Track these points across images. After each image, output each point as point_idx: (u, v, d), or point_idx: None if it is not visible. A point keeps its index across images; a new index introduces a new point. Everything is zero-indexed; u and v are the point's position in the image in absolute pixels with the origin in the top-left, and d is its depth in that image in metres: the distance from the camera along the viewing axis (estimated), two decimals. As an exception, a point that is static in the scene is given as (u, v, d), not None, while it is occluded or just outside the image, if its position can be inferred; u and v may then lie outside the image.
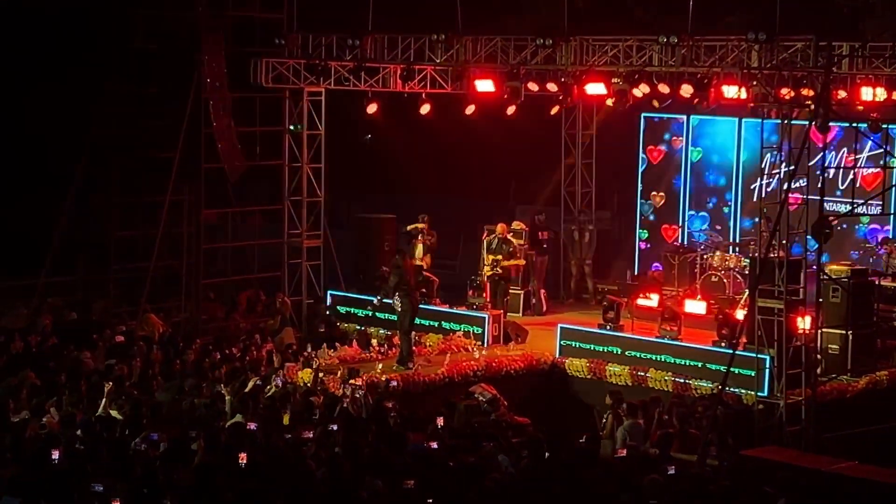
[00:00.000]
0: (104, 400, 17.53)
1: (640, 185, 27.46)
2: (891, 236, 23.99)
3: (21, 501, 12.53)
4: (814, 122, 19.31)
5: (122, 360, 20.85)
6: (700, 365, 20.77)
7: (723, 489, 14.52)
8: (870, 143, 22.34)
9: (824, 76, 19.16)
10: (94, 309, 25.54)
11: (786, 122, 19.75)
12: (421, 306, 22.48)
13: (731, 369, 18.76)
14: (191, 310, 25.73)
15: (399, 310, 21.23)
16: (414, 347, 21.73)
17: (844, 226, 24.06)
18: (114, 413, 17.09)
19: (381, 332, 23.70)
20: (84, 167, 26.20)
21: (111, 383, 18.33)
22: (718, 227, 26.37)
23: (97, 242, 27.85)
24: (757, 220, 23.34)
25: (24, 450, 14.92)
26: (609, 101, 22.79)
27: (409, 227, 25.43)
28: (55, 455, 14.31)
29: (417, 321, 22.12)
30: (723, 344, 20.75)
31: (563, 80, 23.06)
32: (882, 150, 21.21)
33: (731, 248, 25.26)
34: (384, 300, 22.02)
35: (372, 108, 25.12)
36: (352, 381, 19.55)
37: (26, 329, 23.05)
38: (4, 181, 37.22)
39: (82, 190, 26.52)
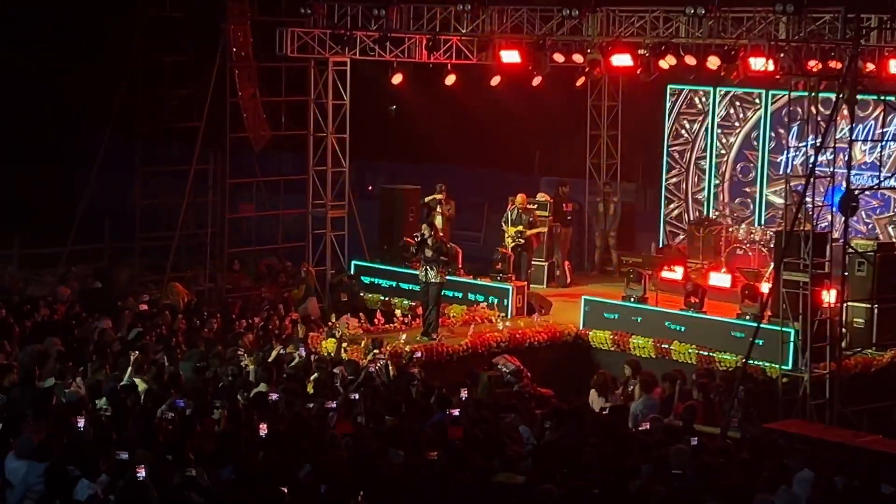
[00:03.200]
0: (130, 369, 17.59)
1: (665, 157, 27.31)
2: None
3: (48, 466, 12.59)
4: (842, 95, 19.18)
5: (147, 328, 20.92)
6: (724, 337, 20.71)
7: (745, 462, 14.52)
8: (898, 116, 22.24)
9: (852, 48, 19.02)
10: (119, 278, 25.62)
11: (813, 94, 19.61)
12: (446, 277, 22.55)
13: (756, 342, 18.71)
14: (215, 279, 25.79)
15: (434, 282, 21.16)
16: (438, 319, 21.72)
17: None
18: (139, 382, 17.15)
19: (405, 302, 23.72)
20: (110, 136, 26.26)
21: (137, 352, 18.41)
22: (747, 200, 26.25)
23: (122, 211, 27.95)
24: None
25: (50, 416, 14.99)
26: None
27: (426, 199, 25.37)
28: (80, 422, 14.38)
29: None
30: (747, 317, 20.68)
31: (588, 51, 22.96)
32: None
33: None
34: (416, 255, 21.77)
35: (397, 79, 25.07)
36: (375, 351, 19.57)
37: (52, 297, 23.15)
38: (31, 151, 37.43)
39: (108, 159, 26.58)
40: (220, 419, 15.44)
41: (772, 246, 23.22)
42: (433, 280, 21.17)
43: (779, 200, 24.97)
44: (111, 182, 29.23)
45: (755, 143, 25.91)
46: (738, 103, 26.17)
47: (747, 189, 26.13)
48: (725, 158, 26.40)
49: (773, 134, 25.61)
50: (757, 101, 25.84)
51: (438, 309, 21.45)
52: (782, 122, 24.66)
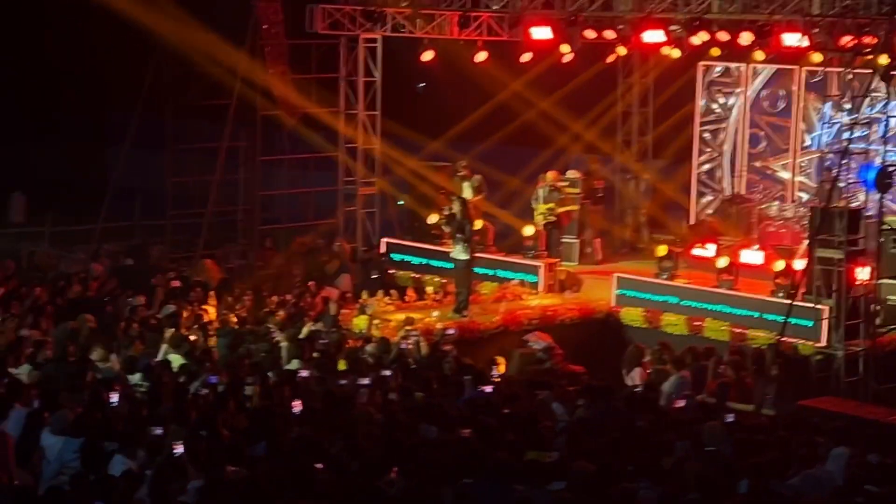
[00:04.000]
0: (164, 345, 17.63)
1: (696, 133, 27.13)
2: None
3: (83, 442, 12.64)
4: (876, 71, 19.03)
5: (179, 305, 20.97)
6: (757, 315, 20.63)
7: (780, 439, 14.45)
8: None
9: (888, 23, 18.85)
10: (151, 255, 25.70)
11: (849, 70, 19.45)
12: (477, 254, 22.51)
13: (789, 320, 18.62)
14: (247, 256, 25.83)
15: (459, 258, 21.10)
16: (469, 296, 21.68)
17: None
18: (173, 358, 17.19)
19: (436, 279, 23.69)
20: (140, 114, 26.29)
21: (171, 328, 18.46)
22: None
23: (153, 189, 28.03)
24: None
25: (83, 392, 15.04)
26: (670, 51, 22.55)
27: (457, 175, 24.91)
28: (114, 398, 14.42)
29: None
30: (780, 294, 20.58)
31: (620, 27, 22.83)
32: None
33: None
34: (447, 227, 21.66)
35: (428, 56, 25.00)
36: (407, 328, 19.56)
37: (84, 274, 23.23)
38: (64, 129, 37.54)
39: (139, 136, 26.63)
40: (252, 396, 15.47)
41: (804, 223, 23.09)
42: (459, 256, 21.12)
43: (786, 175, 24.83)
44: (142, 159, 29.29)
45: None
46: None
47: (757, 164, 25.92)
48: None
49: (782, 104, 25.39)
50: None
51: (467, 287, 21.39)
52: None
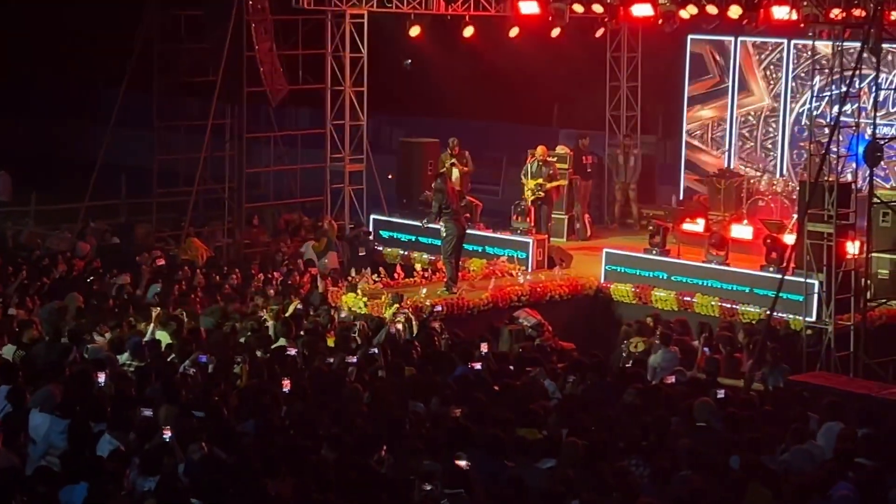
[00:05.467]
0: (152, 324, 17.57)
1: (685, 108, 27.09)
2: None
3: (70, 422, 12.59)
4: (866, 44, 18.97)
5: (166, 284, 20.90)
6: (748, 290, 20.63)
7: (770, 414, 14.47)
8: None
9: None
10: (137, 233, 25.59)
11: (837, 43, 19.39)
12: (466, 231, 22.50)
13: (780, 294, 18.61)
14: (234, 234, 25.76)
15: (444, 235, 21.09)
16: (458, 272, 21.63)
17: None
18: (161, 337, 17.13)
19: (425, 256, 23.65)
20: (126, 91, 26.16)
21: (159, 307, 18.39)
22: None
23: (139, 167, 27.91)
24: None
25: (69, 372, 14.98)
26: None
27: (444, 165, 24.84)
28: (101, 378, 14.37)
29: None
30: (771, 269, 20.58)
31: (608, 1, 22.75)
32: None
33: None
34: (429, 224, 21.89)
35: (415, 31, 24.91)
36: (397, 306, 19.52)
37: (70, 253, 23.14)
38: (50, 106, 37.40)
39: (124, 114, 26.49)
40: (241, 374, 15.43)
41: (794, 197, 23.07)
42: (442, 233, 21.11)
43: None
44: (128, 137, 29.17)
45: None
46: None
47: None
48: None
49: (793, 85, 25.38)
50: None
51: (453, 262, 21.31)
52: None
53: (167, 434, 12.12)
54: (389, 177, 26.62)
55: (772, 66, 25.79)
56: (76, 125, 36.94)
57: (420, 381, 15.06)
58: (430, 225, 21.74)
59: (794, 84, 25.43)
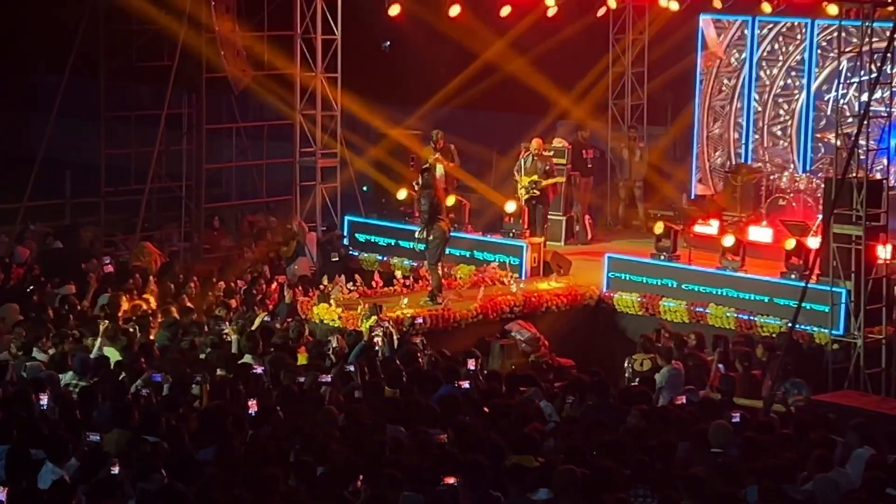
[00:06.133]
0: (99, 339, 17.59)
1: (697, 96, 27.20)
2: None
3: (7, 450, 12.59)
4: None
5: (115, 294, 20.92)
6: (767, 300, 20.72)
7: (792, 438, 14.54)
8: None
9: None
10: (83, 237, 25.62)
11: (867, 23, 19.50)
12: (451, 234, 22.53)
13: (803, 304, 18.70)
14: (192, 237, 25.79)
15: (429, 238, 21.08)
16: (443, 280, 21.70)
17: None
18: (109, 353, 17.15)
19: (406, 263, 23.70)
20: (70, 78, 26.16)
21: (107, 320, 18.41)
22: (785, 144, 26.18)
23: (85, 163, 27.92)
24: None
25: (5, 393, 14.99)
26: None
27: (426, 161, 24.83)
28: (44, 400, 14.38)
29: (446, 251, 22.09)
30: (793, 276, 20.67)
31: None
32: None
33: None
34: (422, 237, 21.56)
35: (394, 10, 24.97)
36: (375, 318, 19.56)
37: (8, 259, 23.14)
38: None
39: (68, 103, 26.50)
40: (201, 395, 15.46)
41: (819, 196, 23.17)
42: (430, 237, 21.10)
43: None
44: (72, 129, 29.19)
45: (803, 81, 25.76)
46: (781, 38, 25.95)
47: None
48: (767, 97, 26.25)
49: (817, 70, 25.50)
50: (798, 36, 25.64)
51: (436, 270, 21.36)
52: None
53: (115, 469, 12.10)
54: (364, 189, 26.64)
55: (780, 37, 25.87)
56: (12, 116, 36.89)
57: (401, 403, 15.10)
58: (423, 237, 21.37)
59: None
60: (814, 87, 25.36)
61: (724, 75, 26.51)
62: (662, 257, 22.39)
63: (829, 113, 24.88)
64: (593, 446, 13.52)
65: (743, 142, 26.55)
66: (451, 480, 11.98)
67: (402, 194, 24.08)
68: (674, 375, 17.84)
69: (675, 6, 23.47)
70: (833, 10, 21.59)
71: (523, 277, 22.78)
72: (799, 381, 17.67)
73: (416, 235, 21.71)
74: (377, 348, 18.32)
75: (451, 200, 22.84)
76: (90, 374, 16.05)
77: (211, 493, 11.83)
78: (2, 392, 15.01)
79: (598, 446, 13.52)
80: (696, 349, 19.31)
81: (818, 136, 25.28)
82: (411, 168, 25.30)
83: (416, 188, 21.59)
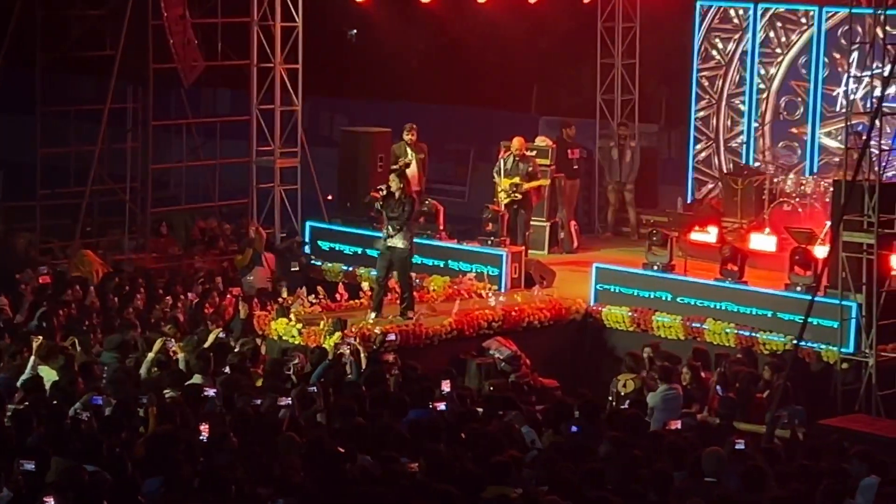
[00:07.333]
0: (32, 357, 17.54)
1: (693, 89, 27.29)
2: None
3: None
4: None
5: (52, 307, 20.87)
6: (770, 314, 20.80)
7: (796, 467, 14.59)
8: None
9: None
10: (16, 244, 25.53)
11: (880, 11, 19.60)
12: (423, 241, 22.55)
13: (809, 320, 18.77)
14: (137, 245, 25.75)
15: (401, 247, 21.00)
16: (415, 293, 21.70)
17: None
18: (44, 374, 17.11)
19: (373, 273, 23.67)
20: (3, 67, 26.11)
21: (41, 336, 18.35)
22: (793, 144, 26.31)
23: (18, 162, 27.84)
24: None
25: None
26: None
27: (398, 161, 24.76)
28: (-29, 425, 14.36)
29: (418, 260, 22.13)
30: (798, 288, 20.75)
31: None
32: None
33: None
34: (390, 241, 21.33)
35: (361, -5, 25.03)
36: (339, 334, 19.56)
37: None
38: None
39: (1, 97, 26.45)
40: (147, 419, 15.44)
41: (827, 200, 23.27)
42: (399, 245, 20.96)
43: (834, 144, 25.03)
44: (4, 125, 29.11)
45: (803, 73, 25.91)
46: (779, 24, 26.10)
47: (794, 130, 26.14)
48: (766, 93, 26.37)
49: (826, 60, 25.61)
50: (804, 20, 25.78)
51: (410, 282, 21.36)
52: (839, 46, 24.73)
53: (50, 501, 12.07)
54: (329, 198, 26.62)
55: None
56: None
57: (369, 428, 15.10)
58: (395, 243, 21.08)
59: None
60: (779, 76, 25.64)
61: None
62: (656, 267, 22.44)
63: (836, 109, 25.02)
64: (578, 476, 13.54)
65: (744, 141, 26.69)
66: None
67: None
68: (670, 398, 17.87)
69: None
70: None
71: (503, 290, 22.80)
72: (797, 409, 17.70)
73: (384, 243, 21.40)
74: (346, 367, 18.32)
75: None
76: (22, 398, 15.99)
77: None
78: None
79: (583, 476, 13.54)
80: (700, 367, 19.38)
81: (794, 131, 25.51)
82: (379, 169, 25.29)
83: (383, 191, 21.41)
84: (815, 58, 25.91)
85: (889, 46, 19.48)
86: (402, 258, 21.03)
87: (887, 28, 19.70)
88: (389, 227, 20.98)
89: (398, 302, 21.34)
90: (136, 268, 24.88)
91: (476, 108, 32.90)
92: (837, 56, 24.97)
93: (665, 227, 24.01)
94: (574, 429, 15.59)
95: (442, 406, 16.06)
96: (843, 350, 19.63)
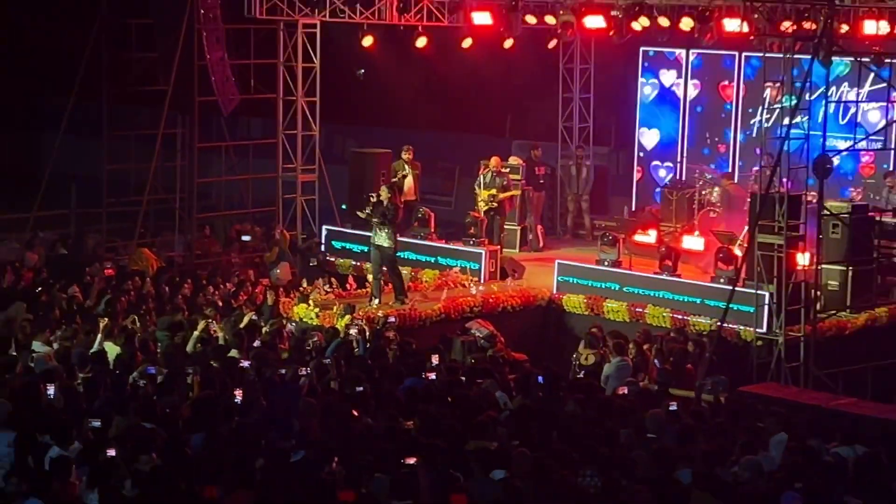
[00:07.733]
0: (100, 335, 17.49)
1: (637, 119, 27.27)
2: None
3: (16, 435, 12.49)
4: (816, 56, 19.17)
5: (115, 294, 20.81)
6: (699, 301, 20.77)
7: (721, 425, 14.57)
8: (871, 77, 22.27)
9: (827, 9, 18.99)
10: (87, 244, 25.46)
11: (788, 55, 19.58)
12: (418, 241, 22.50)
13: (731, 305, 18.74)
14: (185, 244, 25.68)
15: (385, 245, 20.92)
16: (410, 283, 21.61)
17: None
18: (109, 348, 17.05)
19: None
20: (76, 100, 26.03)
21: (107, 318, 18.30)
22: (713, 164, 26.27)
23: (89, 176, 27.76)
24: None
25: (15, 384, 14.88)
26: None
27: (397, 175, 24.63)
28: (50, 390, 14.28)
29: (413, 256, 22.04)
30: (722, 280, 20.72)
31: (561, 12, 22.86)
32: (886, 85, 21.07)
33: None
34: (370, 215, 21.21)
35: (367, 41, 24.94)
36: (349, 316, 19.50)
37: (18, 263, 22.98)
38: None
39: (74, 123, 26.37)
40: (192, 385, 15.39)
41: (745, 209, 23.23)
42: (384, 244, 20.90)
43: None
44: (78, 147, 29.02)
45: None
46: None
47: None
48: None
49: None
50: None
51: (398, 273, 21.27)
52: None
53: (111, 452, 12.03)
54: (343, 207, 26.48)
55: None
56: (25, 135, 36.66)
57: (371, 393, 15.06)
58: (381, 242, 20.98)
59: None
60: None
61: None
62: (606, 263, 22.39)
63: (753, 135, 25.01)
64: (544, 432, 13.52)
65: (679, 159, 26.68)
66: (411, 461, 11.99)
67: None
68: (622, 368, 17.84)
69: (618, 40, 23.49)
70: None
71: (482, 281, 22.73)
72: (721, 378, 17.66)
73: (373, 242, 21.14)
74: (354, 344, 18.27)
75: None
76: (91, 367, 15.95)
77: (198, 473, 11.77)
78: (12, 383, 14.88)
79: (548, 432, 13.52)
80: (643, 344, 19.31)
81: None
82: (382, 183, 25.16)
83: (373, 198, 21.17)
84: (736, 93, 25.90)
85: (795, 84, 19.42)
86: (388, 255, 21.00)
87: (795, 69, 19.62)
88: (375, 229, 20.98)
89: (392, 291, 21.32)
90: (184, 263, 24.84)
91: (460, 133, 32.82)
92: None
93: (614, 230, 23.92)
94: (540, 379, 15.58)
95: (433, 375, 16.03)
96: (758, 330, 19.57)
